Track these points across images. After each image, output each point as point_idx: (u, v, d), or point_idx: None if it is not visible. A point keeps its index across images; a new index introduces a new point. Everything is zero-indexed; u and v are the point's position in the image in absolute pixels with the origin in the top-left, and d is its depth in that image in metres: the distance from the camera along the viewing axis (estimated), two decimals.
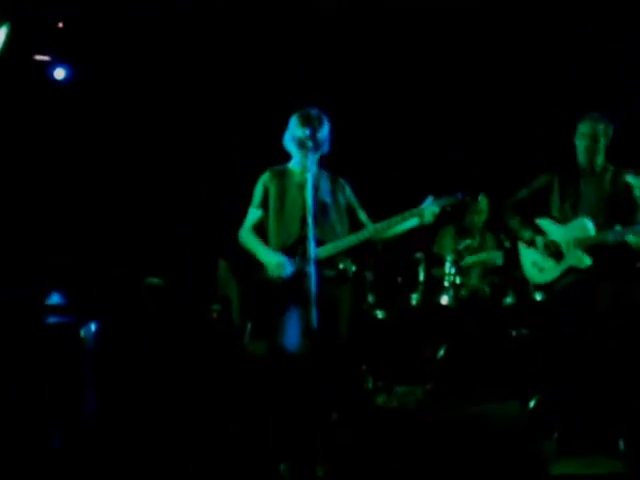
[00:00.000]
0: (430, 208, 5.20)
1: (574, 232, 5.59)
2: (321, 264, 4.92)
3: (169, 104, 7.93)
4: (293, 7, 7.40)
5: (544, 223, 5.74)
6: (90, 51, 7.65)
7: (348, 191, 5.44)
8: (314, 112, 5.22)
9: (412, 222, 5.25)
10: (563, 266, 5.62)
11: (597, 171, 5.68)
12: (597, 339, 5.53)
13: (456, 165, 7.69)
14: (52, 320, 5.80)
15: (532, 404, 6.18)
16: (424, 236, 7.20)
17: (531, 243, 5.70)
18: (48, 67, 7.70)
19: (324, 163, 5.35)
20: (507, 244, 7.17)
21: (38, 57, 7.57)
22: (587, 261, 5.53)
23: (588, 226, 5.55)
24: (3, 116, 7.30)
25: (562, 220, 5.68)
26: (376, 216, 5.37)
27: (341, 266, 5.24)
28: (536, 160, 7.61)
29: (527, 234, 5.73)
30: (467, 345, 6.83)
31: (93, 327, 5.70)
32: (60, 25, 7.42)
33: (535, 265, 5.74)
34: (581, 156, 5.68)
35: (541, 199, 5.77)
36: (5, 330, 5.55)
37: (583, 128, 5.63)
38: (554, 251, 5.63)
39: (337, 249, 5.18)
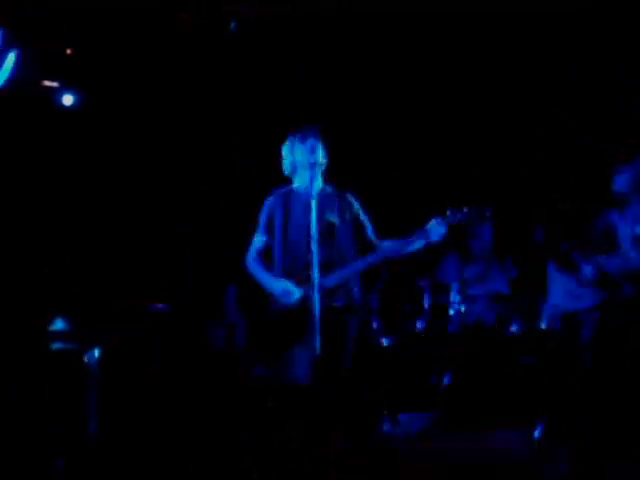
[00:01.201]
0: (437, 228, 5.08)
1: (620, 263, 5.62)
2: (327, 292, 4.86)
3: (176, 128, 7.96)
4: (292, 13, 7.39)
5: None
6: (98, 77, 7.68)
7: (356, 207, 5.31)
8: (310, 133, 5.14)
9: (419, 244, 5.12)
10: (602, 296, 5.64)
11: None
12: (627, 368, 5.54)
13: (464, 181, 7.65)
14: (56, 346, 5.80)
15: (538, 432, 6.17)
16: (430, 262, 7.20)
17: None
18: (56, 93, 7.73)
19: (329, 176, 5.28)
20: (513, 272, 7.14)
21: (47, 83, 7.60)
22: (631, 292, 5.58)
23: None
24: (11, 142, 7.34)
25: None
26: (382, 230, 5.31)
27: (349, 296, 5.16)
28: (543, 178, 7.64)
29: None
30: (472, 373, 6.80)
31: (97, 353, 5.69)
32: (68, 51, 7.46)
33: (571, 293, 5.72)
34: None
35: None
36: (10, 356, 5.55)
37: None
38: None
39: (344, 277, 5.09)
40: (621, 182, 5.77)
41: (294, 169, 5.25)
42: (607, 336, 5.61)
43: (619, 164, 5.77)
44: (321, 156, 5.10)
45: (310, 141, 5.09)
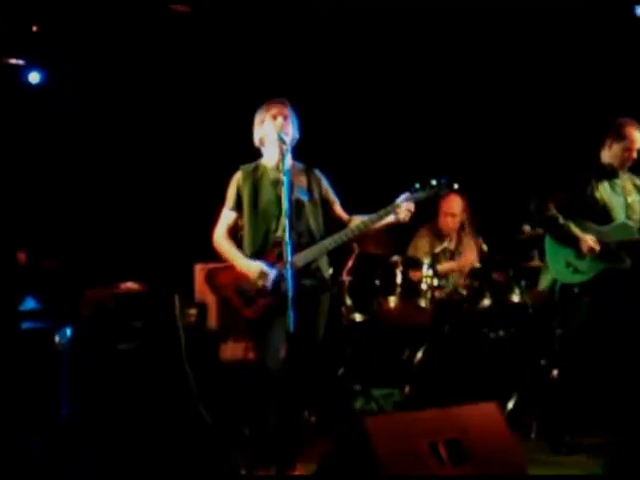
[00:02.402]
0: (405, 204, 5.01)
1: (617, 234, 5.64)
2: (299, 272, 4.82)
3: (144, 106, 7.90)
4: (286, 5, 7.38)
5: (585, 224, 5.77)
6: (65, 54, 7.60)
7: (325, 183, 5.26)
8: (279, 104, 5.10)
9: (388, 219, 5.04)
10: (602, 267, 5.65)
11: (620, 173, 5.80)
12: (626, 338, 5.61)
13: (433, 158, 7.65)
14: (27, 325, 5.75)
15: (510, 405, 6.22)
16: (401, 239, 7.20)
17: (580, 242, 5.69)
18: (23, 71, 7.65)
19: (297, 152, 5.21)
20: (484, 247, 7.16)
21: (12, 61, 7.52)
22: (628, 263, 5.60)
23: (631, 228, 5.64)
24: None
25: (600, 222, 5.74)
26: (351, 208, 5.27)
27: (319, 275, 5.13)
28: (517, 158, 7.67)
29: (574, 232, 5.72)
30: (445, 347, 6.83)
31: (68, 332, 5.65)
32: (34, 28, 7.37)
33: (570, 265, 5.74)
34: (617, 158, 5.76)
35: (582, 199, 5.79)
36: None
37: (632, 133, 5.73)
38: (600, 252, 5.65)
39: (313, 256, 5.04)
40: (605, 153, 5.83)
41: (263, 143, 5.19)
42: (601, 311, 5.65)
43: (605, 136, 5.81)
44: (291, 131, 5.07)
45: (279, 115, 5.05)
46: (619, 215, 5.74)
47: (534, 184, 6.08)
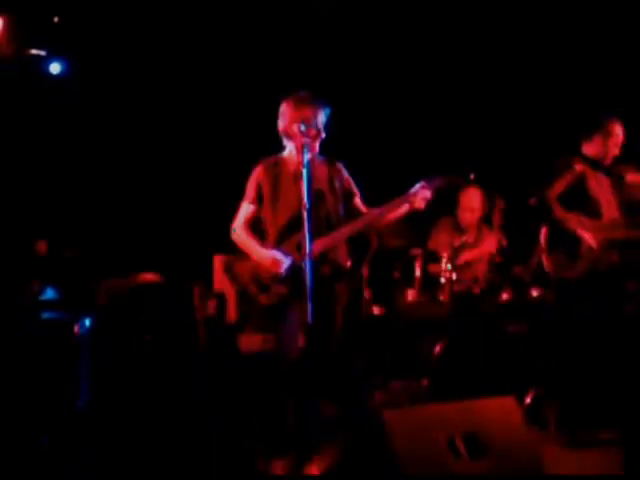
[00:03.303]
0: (421, 192, 5.01)
1: (608, 229, 5.66)
2: (316, 260, 4.80)
3: (164, 97, 7.91)
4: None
5: (580, 219, 5.79)
6: (86, 45, 7.62)
7: (345, 175, 5.26)
8: (307, 97, 5.06)
9: (404, 208, 5.06)
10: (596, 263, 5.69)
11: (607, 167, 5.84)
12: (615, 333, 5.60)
13: (452, 151, 7.64)
14: (46, 315, 5.78)
15: (528, 399, 6.20)
16: (421, 231, 7.20)
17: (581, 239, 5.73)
18: (44, 61, 7.67)
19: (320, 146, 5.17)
20: (504, 241, 7.13)
21: (34, 51, 7.54)
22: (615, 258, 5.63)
23: (620, 224, 5.66)
24: None
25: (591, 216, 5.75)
26: (371, 200, 5.27)
27: (336, 264, 5.13)
28: (530, 152, 7.65)
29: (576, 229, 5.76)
30: (463, 341, 6.81)
31: (87, 322, 5.67)
32: (56, 19, 7.39)
33: (566, 260, 5.76)
34: (602, 153, 5.85)
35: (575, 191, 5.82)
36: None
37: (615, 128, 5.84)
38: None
39: (330, 243, 5.04)
40: (591, 148, 5.90)
41: (286, 134, 5.17)
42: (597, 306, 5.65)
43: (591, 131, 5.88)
44: (316, 125, 5.04)
45: (305, 109, 5.03)
46: (607, 209, 5.79)
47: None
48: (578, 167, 5.87)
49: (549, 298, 6.15)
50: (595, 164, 5.89)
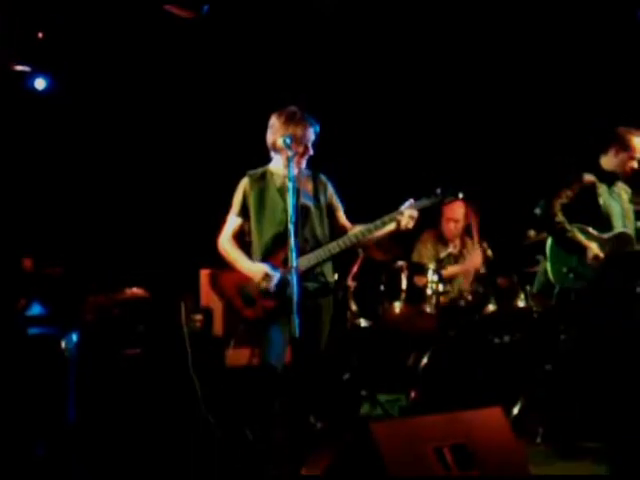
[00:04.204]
0: (408, 211, 5.01)
1: (616, 243, 5.71)
2: (302, 275, 4.82)
3: (149, 113, 7.91)
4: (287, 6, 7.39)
5: (587, 230, 5.84)
6: (71, 61, 7.62)
7: (330, 189, 5.27)
8: (298, 114, 5.08)
9: (391, 226, 5.05)
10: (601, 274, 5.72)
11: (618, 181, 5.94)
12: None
13: (437, 167, 7.66)
14: (33, 331, 5.76)
15: (515, 410, 6.21)
16: (405, 244, 7.21)
17: (586, 250, 5.76)
18: (28, 77, 7.67)
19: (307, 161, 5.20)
20: (489, 252, 7.16)
21: (19, 67, 7.53)
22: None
23: (630, 238, 5.72)
24: None
25: (600, 228, 5.80)
26: (357, 215, 5.27)
27: (322, 279, 5.14)
28: (520, 164, 7.68)
29: (580, 239, 5.79)
30: (450, 352, 6.83)
31: (75, 337, 5.66)
32: (40, 35, 7.38)
33: (571, 271, 5.77)
34: (620, 167, 5.87)
35: (585, 203, 5.85)
36: None
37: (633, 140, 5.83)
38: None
39: (317, 259, 5.05)
40: (608, 161, 5.91)
41: (274, 148, 5.18)
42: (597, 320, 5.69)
43: (609, 144, 5.89)
44: (305, 142, 5.06)
45: (294, 125, 5.04)
46: (617, 222, 5.81)
47: (538, 189, 6.11)
48: (587, 179, 5.89)
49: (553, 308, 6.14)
50: (611, 177, 5.90)
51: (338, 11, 7.42)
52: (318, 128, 5.13)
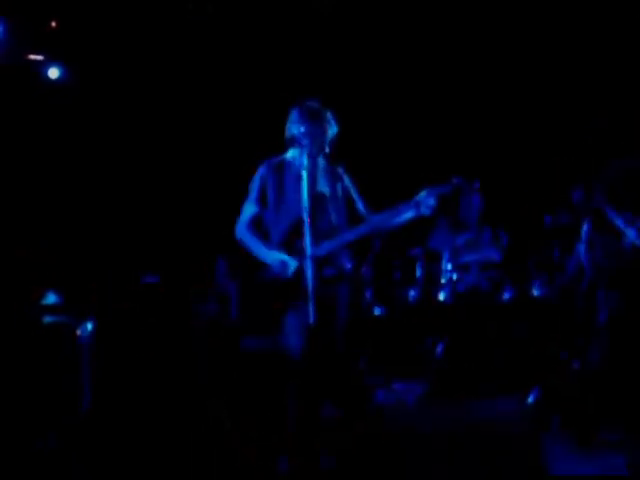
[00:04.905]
0: (426, 199, 4.99)
1: None
2: (319, 262, 4.84)
3: (163, 100, 7.91)
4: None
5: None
6: (84, 50, 7.62)
7: (347, 181, 5.25)
8: (315, 107, 5.07)
9: (409, 214, 5.04)
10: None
11: None
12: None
13: (454, 155, 7.64)
14: (49, 319, 5.78)
15: (531, 399, 6.19)
16: (421, 231, 7.19)
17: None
18: (42, 66, 7.68)
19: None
20: (505, 239, 7.14)
21: (32, 56, 7.54)
22: None
23: None
24: None
25: None
26: (375, 205, 5.27)
27: (339, 266, 5.13)
28: (533, 154, 7.66)
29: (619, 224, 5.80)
30: (465, 341, 6.81)
31: (90, 326, 5.67)
32: (53, 24, 7.39)
33: (608, 255, 5.78)
34: None
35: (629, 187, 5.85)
36: (2, 329, 5.53)
37: None
38: None
39: (334, 246, 5.03)
40: None
41: (292, 140, 5.17)
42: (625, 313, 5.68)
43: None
44: (323, 140, 5.07)
45: (314, 122, 5.04)
46: None
47: (555, 177, 6.08)
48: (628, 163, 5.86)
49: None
50: None
51: (337, 10, 7.40)
52: (336, 129, 5.13)
